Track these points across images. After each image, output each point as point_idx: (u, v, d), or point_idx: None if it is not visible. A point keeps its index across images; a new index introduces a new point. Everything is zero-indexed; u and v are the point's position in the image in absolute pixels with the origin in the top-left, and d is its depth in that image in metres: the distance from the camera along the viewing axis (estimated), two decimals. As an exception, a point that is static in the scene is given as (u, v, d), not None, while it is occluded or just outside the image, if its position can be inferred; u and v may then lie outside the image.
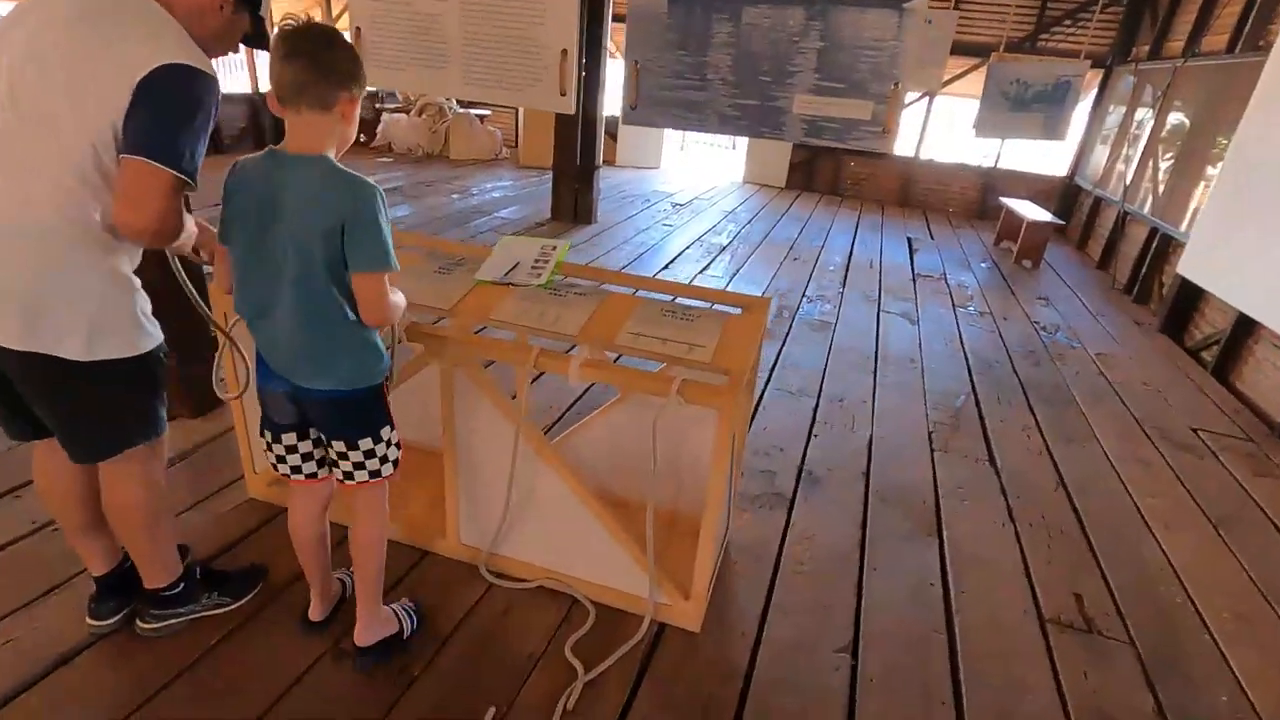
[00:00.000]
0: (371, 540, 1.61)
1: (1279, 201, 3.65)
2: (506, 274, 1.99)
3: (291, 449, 1.50)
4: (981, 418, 3.33)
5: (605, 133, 9.83)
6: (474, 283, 1.96)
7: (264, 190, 1.26)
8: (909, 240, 6.94)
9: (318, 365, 1.38)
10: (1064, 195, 8.12)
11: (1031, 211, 6.51)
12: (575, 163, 5.95)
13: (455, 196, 6.94)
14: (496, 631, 1.84)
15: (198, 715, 1.54)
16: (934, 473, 2.81)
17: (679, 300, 2.03)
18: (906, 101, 7.24)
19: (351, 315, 1.35)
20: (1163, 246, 5.42)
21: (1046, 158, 8.54)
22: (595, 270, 2.10)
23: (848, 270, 5.62)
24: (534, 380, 2.55)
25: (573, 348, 1.82)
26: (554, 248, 2.12)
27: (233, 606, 1.81)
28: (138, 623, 1.71)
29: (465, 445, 1.92)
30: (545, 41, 1.81)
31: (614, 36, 9.90)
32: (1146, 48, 6.83)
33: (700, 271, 5.16)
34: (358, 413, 1.47)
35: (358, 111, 1.34)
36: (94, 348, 1.27)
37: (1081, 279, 6.22)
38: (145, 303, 1.37)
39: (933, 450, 2.98)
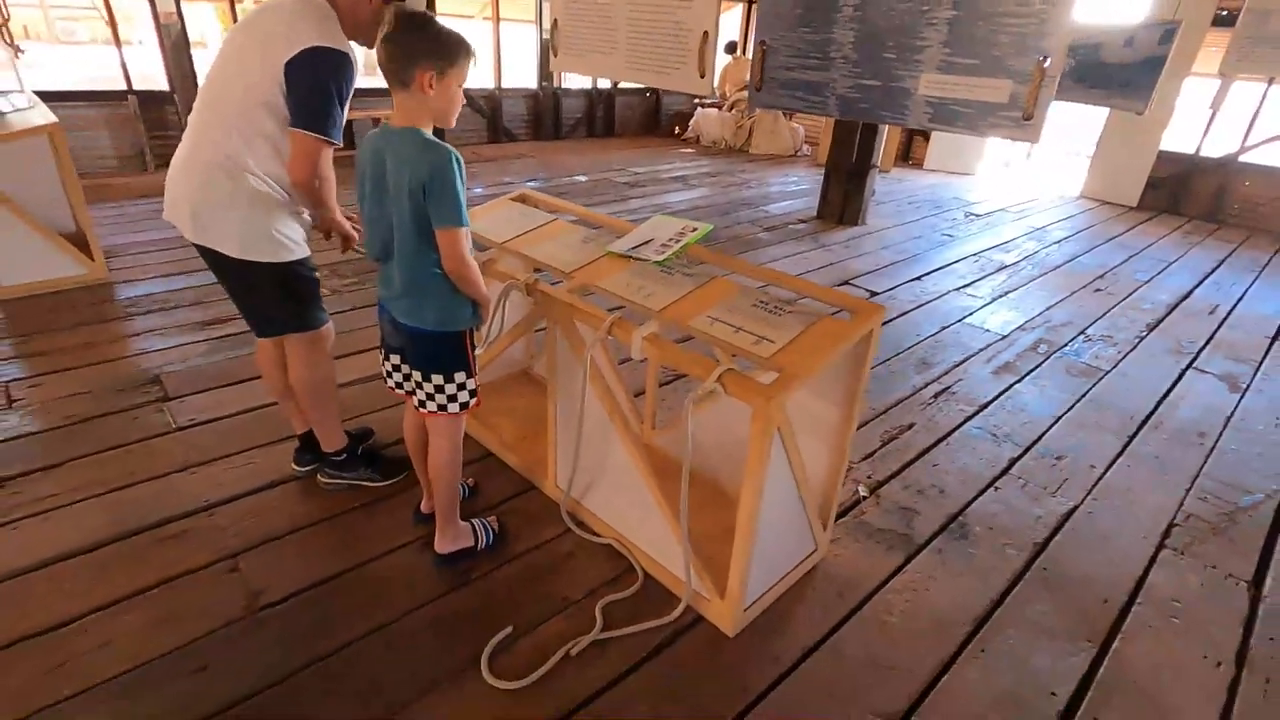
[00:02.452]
0: (440, 465, 1.85)
1: None
2: (634, 248, 2.10)
3: (396, 368, 1.82)
4: (1277, 530, 2.43)
5: (916, 133, 9.13)
6: (604, 253, 2.12)
7: (375, 157, 1.54)
8: (1302, 288, 5.15)
9: (411, 305, 1.65)
10: None
11: None
12: (850, 160, 5.68)
13: (733, 188, 7.15)
14: (552, 569, 2.01)
15: (316, 550, 2.01)
16: (1145, 574, 2.17)
17: (781, 293, 1.91)
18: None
19: (438, 269, 1.59)
20: None
21: None
22: (726, 258, 2.10)
23: (1169, 312, 4.43)
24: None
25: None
26: (693, 229, 2.16)
27: (381, 484, 2.29)
28: (319, 476, 2.27)
29: (565, 398, 2.11)
30: (690, 25, 1.84)
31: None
32: None
33: (957, 288, 4.57)
34: (436, 352, 1.72)
35: (448, 86, 1.50)
36: (244, 250, 1.74)
37: None
38: (289, 227, 1.81)
39: (1161, 547, 2.29)
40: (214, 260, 1.81)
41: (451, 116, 1.57)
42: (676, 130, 10.30)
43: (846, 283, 4.55)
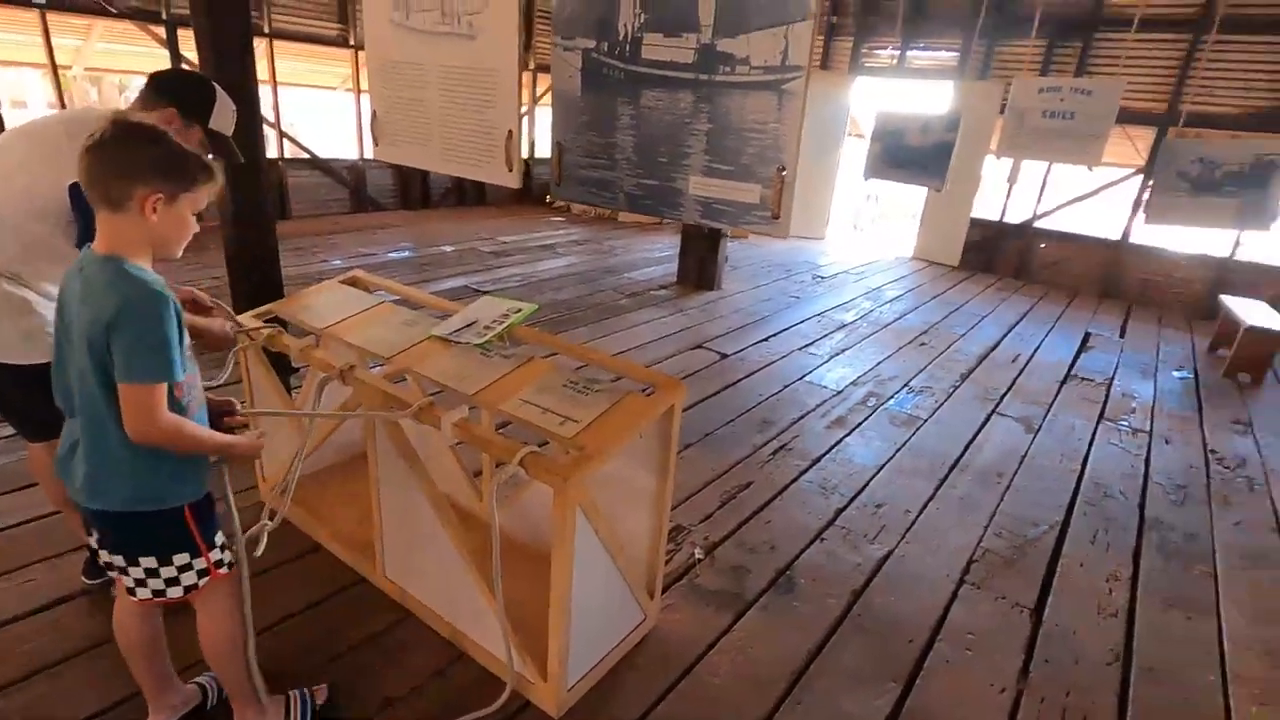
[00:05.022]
0: (214, 646, 1.50)
1: None
2: (456, 331, 2.14)
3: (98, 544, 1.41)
4: (1056, 557, 2.75)
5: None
6: (427, 336, 2.14)
7: (67, 289, 1.26)
8: (1086, 335, 5.97)
9: (91, 480, 1.28)
10: (1332, 299, 6.44)
11: (1254, 314, 5.27)
12: (703, 229, 6.06)
13: (599, 256, 7.39)
14: (379, 665, 1.93)
15: (100, 674, 1.82)
16: (946, 611, 2.38)
17: (593, 373, 2.02)
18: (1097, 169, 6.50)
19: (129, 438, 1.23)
20: None
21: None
22: (548, 338, 2.17)
23: (979, 363, 4.99)
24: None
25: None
26: (517, 310, 2.23)
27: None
28: (113, 590, 2.07)
29: (388, 484, 2.07)
30: (496, 123, 1.98)
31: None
32: None
33: (800, 348, 4.93)
34: (139, 533, 1.34)
35: (180, 212, 1.26)
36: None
37: (1323, 406, 4.85)
38: (43, 327, 1.69)
39: (961, 583, 2.53)
40: None
41: (177, 246, 1.30)
42: (548, 199, 10.57)
43: (700, 346, 4.79)
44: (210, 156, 1.74)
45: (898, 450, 3.51)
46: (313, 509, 2.49)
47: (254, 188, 2.80)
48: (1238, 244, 6.95)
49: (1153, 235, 7.35)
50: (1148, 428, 4.14)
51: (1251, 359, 5.15)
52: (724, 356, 4.62)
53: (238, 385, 2.43)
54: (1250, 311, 5.37)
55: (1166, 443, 3.95)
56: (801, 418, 3.80)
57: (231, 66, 2.44)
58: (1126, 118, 7.07)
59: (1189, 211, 4.76)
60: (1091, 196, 7.68)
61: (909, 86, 8.59)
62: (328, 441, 2.58)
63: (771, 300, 6.13)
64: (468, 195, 9.83)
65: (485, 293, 5.55)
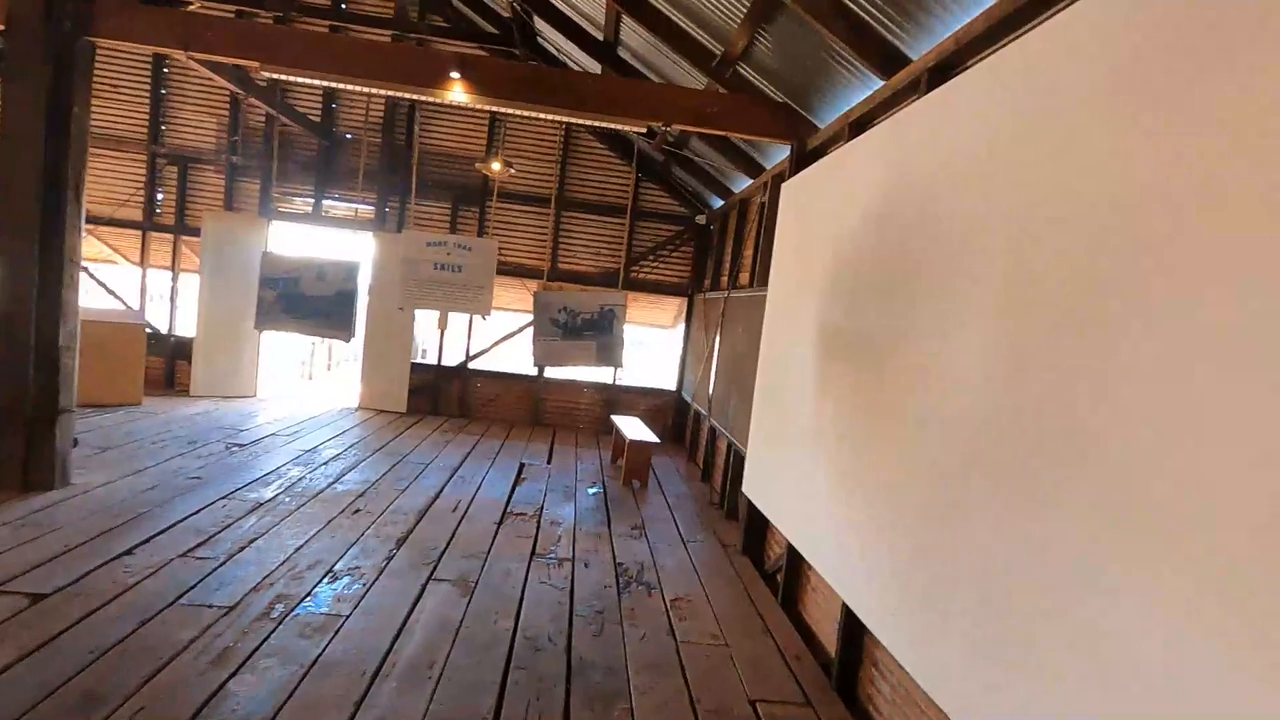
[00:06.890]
0: None
1: (785, 417, 3.68)
2: None
3: None
4: (489, 760, 2.35)
5: (179, 356, 8.15)
6: None
7: None
8: (520, 466, 6.36)
9: None
10: (676, 410, 8.56)
11: (633, 429, 6.45)
12: (25, 402, 4.25)
13: None
14: None
15: None
16: None
17: None
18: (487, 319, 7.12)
19: None
20: (739, 462, 5.52)
21: (662, 374, 9.12)
22: None
23: (419, 520, 4.64)
24: None
25: None
26: None
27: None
28: None
29: None
30: None
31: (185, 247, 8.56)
32: (709, 281, 7.84)
33: (184, 553, 3.69)
34: None
35: None
36: None
37: (685, 497, 6.12)
38: None
39: None
40: None
41: None
42: None
43: (-4, 589, 3.08)
44: None
45: (305, 675, 2.70)
46: None
47: None
48: (618, 371, 8.70)
49: (563, 369, 8.61)
50: (571, 554, 4.37)
51: (637, 466, 6.22)
52: (39, 599, 3.05)
53: None
54: (630, 427, 6.55)
55: (586, 566, 4.20)
56: (164, 667, 2.63)
57: None
58: (523, 272, 8.29)
59: (562, 353, 5.61)
60: (508, 340, 8.63)
61: (330, 234, 8.35)
62: None
63: (157, 489, 4.63)
64: None
65: None
